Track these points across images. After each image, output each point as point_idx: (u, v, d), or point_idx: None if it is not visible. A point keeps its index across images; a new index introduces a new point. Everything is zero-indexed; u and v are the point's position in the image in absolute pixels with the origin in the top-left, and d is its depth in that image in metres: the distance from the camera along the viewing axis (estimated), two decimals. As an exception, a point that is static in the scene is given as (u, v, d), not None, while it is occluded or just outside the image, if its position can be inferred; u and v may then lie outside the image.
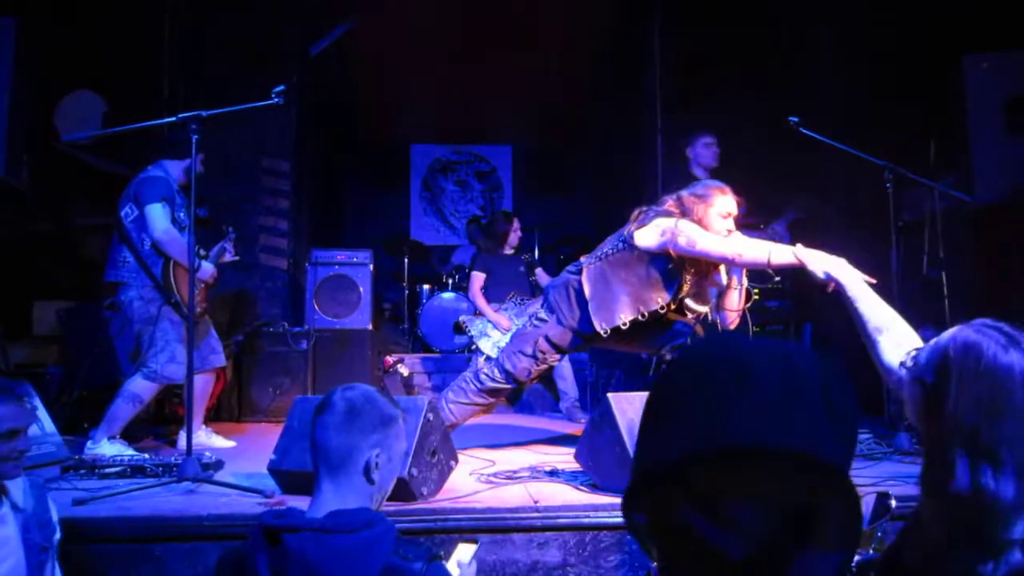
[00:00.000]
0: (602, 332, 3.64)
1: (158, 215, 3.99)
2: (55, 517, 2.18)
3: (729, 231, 3.54)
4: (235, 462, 3.71)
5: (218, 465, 3.47)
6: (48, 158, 5.18)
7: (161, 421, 5.09)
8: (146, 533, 2.62)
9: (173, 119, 3.39)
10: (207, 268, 4.26)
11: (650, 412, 0.84)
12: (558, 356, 3.89)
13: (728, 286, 3.72)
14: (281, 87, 3.43)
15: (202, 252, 4.29)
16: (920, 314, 4.73)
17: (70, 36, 5.36)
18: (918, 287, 4.62)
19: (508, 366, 3.85)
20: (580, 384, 5.71)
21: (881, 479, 3.13)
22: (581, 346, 3.96)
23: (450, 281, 7.25)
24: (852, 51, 5.78)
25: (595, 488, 3.02)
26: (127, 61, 5.76)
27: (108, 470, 3.32)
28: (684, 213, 3.57)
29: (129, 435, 4.11)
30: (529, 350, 3.81)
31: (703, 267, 3.62)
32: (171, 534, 2.61)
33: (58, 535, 2.17)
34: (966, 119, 4.28)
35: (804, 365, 0.80)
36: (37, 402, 3.97)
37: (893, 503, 1.75)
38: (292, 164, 6.49)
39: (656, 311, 3.61)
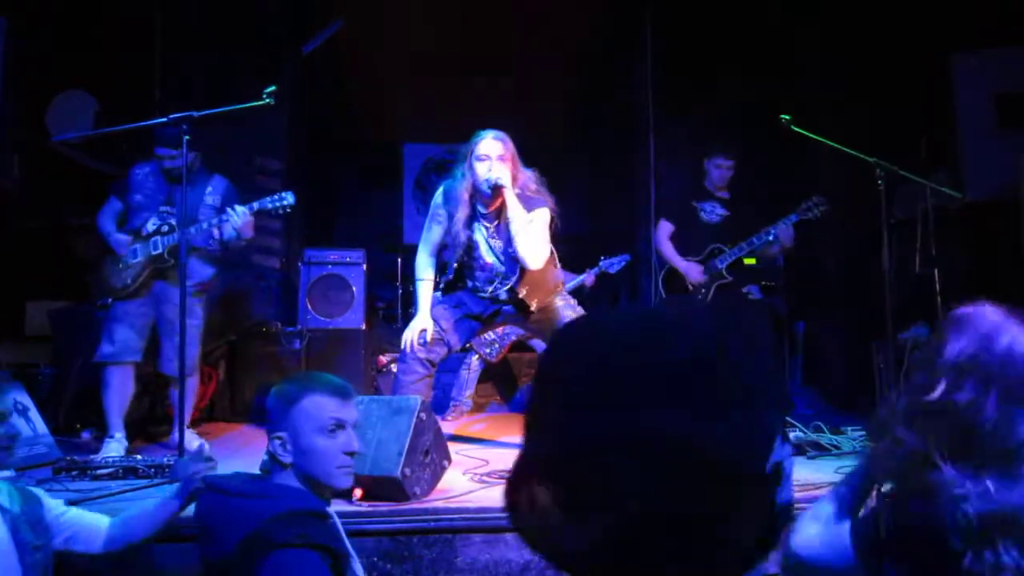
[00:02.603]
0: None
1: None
2: (50, 516, 2.17)
3: (490, 169, 3.68)
4: (228, 462, 3.69)
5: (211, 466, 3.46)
6: (39, 157, 5.16)
7: (153, 421, 5.06)
8: (138, 534, 2.61)
9: (164, 119, 3.38)
10: (119, 239, 4.12)
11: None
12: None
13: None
14: (272, 87, 3.43)
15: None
16: (913, 312, 4.76)
17: (62, 35, 5.34)
18: (910, 285, 4.63)
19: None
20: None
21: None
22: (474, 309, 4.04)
23: (443, 281, 7.23)
24: (843, 49, 5.79)
25: (588, 487, 3.02)
26: (119, 60, 5.73)
27: (100, 471, 3.31)
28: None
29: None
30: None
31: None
32: (163, 535, 2.60)
33: (58, 536, 2.16)
34: (956, 116, 4.29)
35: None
36: (29, 402, 3.96)
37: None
38: (284, 163, 6.47)
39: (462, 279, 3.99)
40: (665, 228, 5.20)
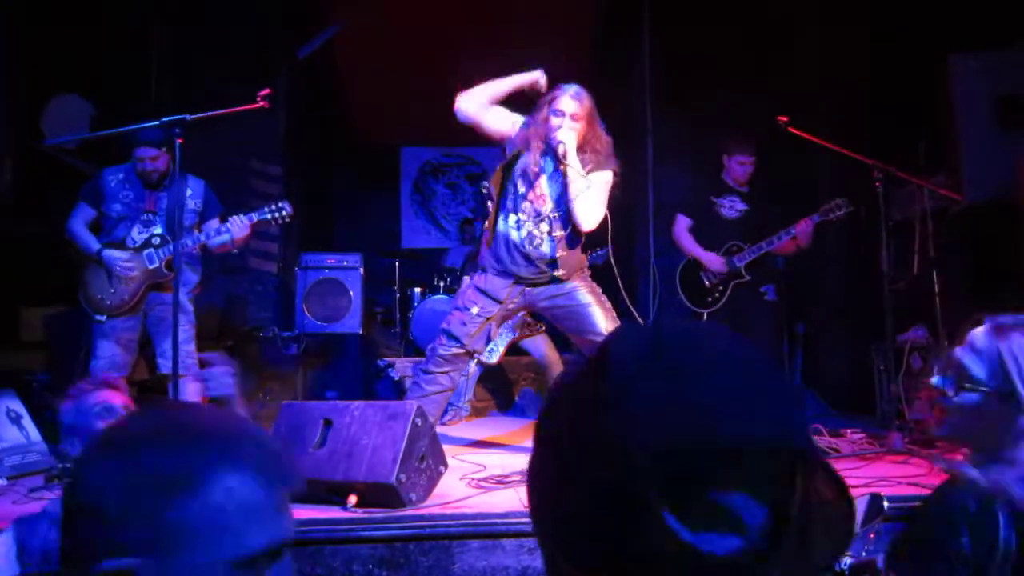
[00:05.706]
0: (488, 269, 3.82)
1: None
2: None
3: (559, 127, 3.64)
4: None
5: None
6: (34, 161, 5.14)
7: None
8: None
9: (156, 123, 3.36)
10: (114, 255, 4.04)
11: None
12: (492, 305, 3.84)
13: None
14: (266, 90, 3.41)
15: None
16: (911, 314, 4.74)
17: (58, 39, 5.32)
18: (909, 287, 4.62)
19: (445, 326, 3.92)
20: (572, 386, 5.69)
21: (873, 480, 3.12)
22: (498, 294, 3.85)
23: (441, 284, 7.21)
24: (841, 51, 5.78)
25: (586, 492, 2.99)
26: (115, 64, 5.72)
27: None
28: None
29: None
30: (459, 302, 3.92)
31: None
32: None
33: None
34: (954, 118, 4.28)
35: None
36: (22, 410, 3.93)
37: (886, 504, 1.73)
38: (281, 167, 6.46)
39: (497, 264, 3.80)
40: (683, 222, 5.14)
